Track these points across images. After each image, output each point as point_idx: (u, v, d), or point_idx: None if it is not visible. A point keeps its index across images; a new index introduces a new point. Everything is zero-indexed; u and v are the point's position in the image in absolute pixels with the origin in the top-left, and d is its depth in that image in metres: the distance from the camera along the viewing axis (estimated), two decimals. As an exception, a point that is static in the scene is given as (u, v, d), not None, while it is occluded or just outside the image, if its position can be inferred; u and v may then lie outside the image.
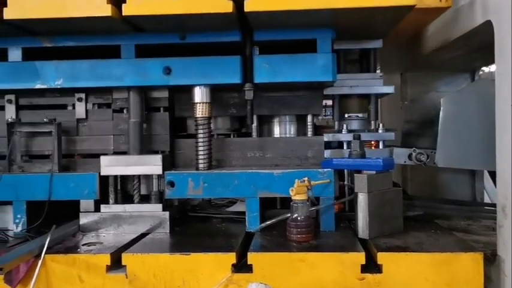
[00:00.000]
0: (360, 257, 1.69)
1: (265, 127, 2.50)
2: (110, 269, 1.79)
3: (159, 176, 2.20)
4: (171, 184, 2.13)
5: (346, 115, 2.45)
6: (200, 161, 2.19)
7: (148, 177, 2.26)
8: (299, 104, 2.38)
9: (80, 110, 2.35)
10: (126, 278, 1.76)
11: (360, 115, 2.48)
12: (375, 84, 2.40)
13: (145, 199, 2.25)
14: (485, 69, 3.36)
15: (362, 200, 1.88)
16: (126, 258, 1.78)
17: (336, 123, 2.46)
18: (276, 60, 2.11)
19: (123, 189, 2.28)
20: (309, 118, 2.39)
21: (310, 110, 2.39)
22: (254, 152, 2.35)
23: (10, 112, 2.34)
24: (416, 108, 2.89)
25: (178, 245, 1.96)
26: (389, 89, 2.39)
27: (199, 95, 2.18)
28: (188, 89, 2.21)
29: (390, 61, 3.18)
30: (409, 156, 2.35)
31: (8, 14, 1.91)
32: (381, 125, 2.36)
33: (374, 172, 1.90)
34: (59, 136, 2.26)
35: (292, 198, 1.92)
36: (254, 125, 2.37)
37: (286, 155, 2.33)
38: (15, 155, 2.28)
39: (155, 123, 2.35)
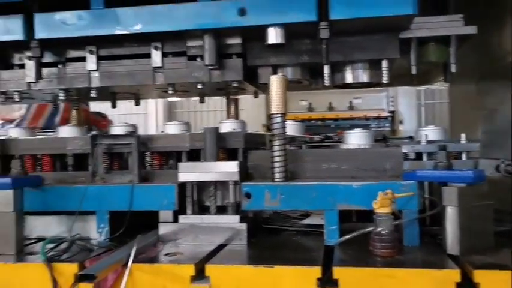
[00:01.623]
0: (454, 275, 1.61)
1: (337, 76, 2.46)
2: (194, 279, 1.80)
3: (236, 185, 2.21)
4: (248, 196, 2.14)
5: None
6: (276, 173, 2.18)
7: (224, 187, 2.27)
8: (373, 47, 2.29)
9: (156, 58, 2.39)
10: (210, 289, 1.77)
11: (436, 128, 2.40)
12: (454, 25, 2.23)
13: (220, 211, 2.27)
14: None
15: (451, 213, 1.80)
16: (209, 269, 1.79)
17: (414, 68, 2.28)
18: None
19: (200, 200, 2.31)
20: (384, 63, 2.30)
21: (385, 53, 2.29)
22: (329, 163, 2.32)
23: (91, 63, 2.41)
24: (495, 119, 2.76)
25: (259, 257, 1.95)
26: (472, 29, 2.20)
27: (274, 36, 2.15)
28: (261, 36, 2.18)
29: (466, 69, 3.06)
30: (497, 168, 2.23)
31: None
32: (463, 135, 2.26)
33: (464, 185, 1.82)
34: (138, 147, 2.33)
35: (376, 211, 1.86)
36: (327, 71, 2.31)
37: (362, 167, 2.27)
38: (97, 167, 2.37)
39: (228, 69, 2.37)
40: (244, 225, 2.15)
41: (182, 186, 2.22)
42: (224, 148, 2.40)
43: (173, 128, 2.56)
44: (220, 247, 2.10)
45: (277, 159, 2.18)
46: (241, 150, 2.40)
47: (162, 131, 2.61)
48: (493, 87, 3.18)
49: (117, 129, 2.55)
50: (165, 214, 2.24)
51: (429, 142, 2.27)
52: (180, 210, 2.23)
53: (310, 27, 2.15)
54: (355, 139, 2.43)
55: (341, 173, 2.29)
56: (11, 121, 5.25)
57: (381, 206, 1.85)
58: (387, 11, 2.06)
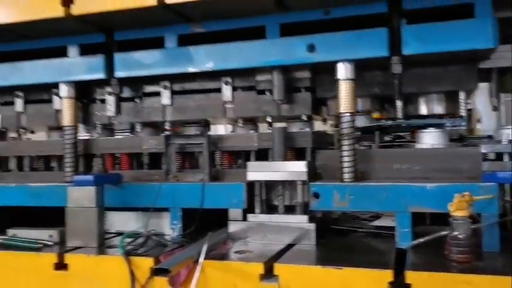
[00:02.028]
0: (539, 284, 1.50)
1: (410, 107, 2.39)
2: (263, 277, 1.83)
3: (304, 185, 2.21)
4: (316, 196, 2.13)
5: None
6: (345, 173, 2.15)
7: (292, 187, 2.28)
8: (449, 79, 2.21)
9: (227, 93, 2.47)
10: (279, 288, 1.79)
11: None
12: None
13: (288, 210, 2.27)
14: None
15: (537, 219, 1.68)
16: (278, 268, 1.81)
17: (494, 100, 2.21)
18: (427, 28, 2.01)
19: (268, 199, 2.33)
20: (462, 95, 2.21)
21: (462, 85, 2.20)
22: (401, 163, 2.25)
23: (166, 98, 2.54)
24: None
25: (328, 258, 1.94)
26: None
27: (343, 71, 2.14)
28: (330, 69, 2.19)
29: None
30: None
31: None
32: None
33: (551, 188, 1.69)
34: (209, 147, 2.39)
35: (452, 214, 1.78)
36: (399, 104, 2.25)
37: (437, 168, 2.18)
38: (170, 165, 2.47)
39: (297, 103, 2.38)
40: (312, 226, 2.14)
41: (251, 185, 2.25)
42: (292, 148, 2.41)
43: (242, 128, 2.61)
44: (289, 247, 2.10)
45: (346, 158, 2.15)
46: (309, 150, 2.39)
47: (232, 131, 2.67)
48: None
49: (188, 129, 2.63)
50: (234, 212, 2.29)
51: (510, 142, 2.12)
52: (249, 209, 2.26)
53: (381, 60, 2.11)
54: (429, 138, 2.33)
55: (414, 173, 2.21)
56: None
57: (457, 209, 1.76)
58: (464, 45, 1.97)
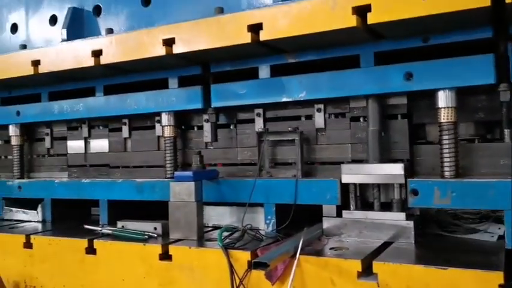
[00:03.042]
0: None
1: None
2: (360, 275, 1.80)
3: (401, 185, 2.14)
4: (415, 192, 2.05)
5: None
6: (446, 168, 2.05)
7: (388, 185, 2.22)
8: None
9: (319, 120, 2.46)
10: (378, 286, 1.75)
11: None
12: None
13: (384, 207, 2.22)
14: None
15: None
16: (377, 266, 1.77)
17: None
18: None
19: (362, 195, 2.29)
20: None
21: None
22: (508, 159, 2.09)
23: (259, 124, 2.60)
24: None
25: (429, 257, 1.86)
26: None
27: (444, 99, 2.04)
28: (428, 94, 2.11)
29: None
30: None
31: (263, 35, 2.13)
32: None
33: None
34: (301, 144, 2.41)
35: None
36: (507, 136, 2.10)
37: (551, 163, 2.01)
38: (263, 161, 2.52)
39: (393, 131, 2.30)
40: (411, 223, 2.07)
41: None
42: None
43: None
44: (385, 244, 2.05)
45: (446, 153, 2.05)
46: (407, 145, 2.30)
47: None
48: None
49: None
50: (328, 209, 2.28)
51: None
52: (343, 206, 2.24)
53: (486, 85, 1.97)
54: (541, 131, 2.14)
55: (523, 169, 2.05)
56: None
57: None
58: None
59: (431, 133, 2.27)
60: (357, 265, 1.80)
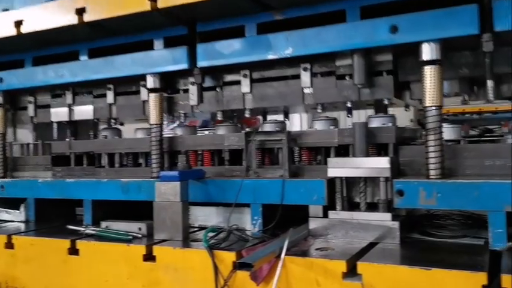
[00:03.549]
0: None
1: (503, 88, 2.25)
2: (345, 276, 1.80)
3: (387, 182, 2.14)
4: (400, 193, 2.05)
5: None
6: (432, 169, 2.05)
7: (374, 184, 2.22)
8: None
9: (306, 79, 2.46)
10: (362, 287, 1.75)
11: None
12: None
13: (370, 207, 2.21)
14: None
15: None
16: (362, 266, 1.77)
17: None
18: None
19: (349, 196, 2.28)
20: None
21: None
22: (493, 159, 2.10)
23: (245, 86, 2.59)
24: None
25: (414, 258, 1.86)
26: None
27: (429, 52, 2.04)
28: (413, 52, 2.10)
29: None
30: None
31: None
32: None
33: None
34: (289, 143, 2.40)
35: (555, 214, 1.64)
36: (490, 85, 2.11)
37: (535, 164, 2.02)
38: (251, 162, 2.50)
39: (378, 87, 2.31)
40: (396, 224, 2.07)
41: (331, 181, 2.22)
42: (374, 143, 2.34)
43: (321, 124, 2.58)
44: (371, 245, 2.05)
45: (432, 154, 2.06)
46: (392, 146, 2.31)
47: (310, 127, 2.65)
48: None
49: (268, 126, 2.66)
50: (314, 209, 2.27)
51: None
52: (329, 206, 2.23)
53: (470, 39, 1.99)
54: (526, 132, 2.16)
55: (508, 170, 2.06)
56: (173, 121, 5.84)
57: (561, 209, 1.62)
58: None
59: (415, 92, 2.31)
60: (342, 266, 1.80)
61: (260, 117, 5.31)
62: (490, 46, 1.93)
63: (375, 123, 2.44)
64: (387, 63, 2.30)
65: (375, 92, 2.32)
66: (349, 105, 2.44)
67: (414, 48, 2.08)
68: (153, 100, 2.68)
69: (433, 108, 2.05)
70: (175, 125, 5.01)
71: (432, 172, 2.05)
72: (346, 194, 2.26)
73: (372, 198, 2.25)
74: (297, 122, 13.20)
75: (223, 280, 1.97)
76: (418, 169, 2.21)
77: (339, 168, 2.21)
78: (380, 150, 2.38)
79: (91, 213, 2.77)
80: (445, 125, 2.21)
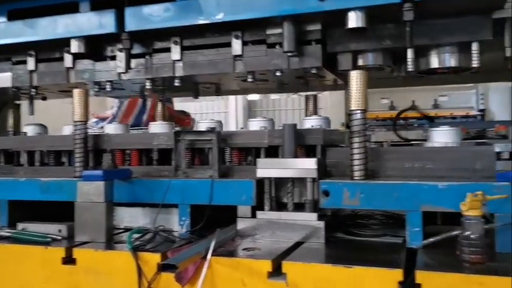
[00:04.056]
0: (554, 286, 1.46)
1: (422, 61, 2.36)
2: (270, 275, 1.81)
3: (314, 182, 2.18)
4: (326, 193, 2.10)
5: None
6: (356, 171, 2.12)
7: (302, 184, 2.25)
8: (463, 29, 2.17)
9: (237, 47, 2.44)
10: (287, 286, 1.77)
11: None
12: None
13: (298, 208, 2.25)
14: None
15: (552, 219, 1.64)
16: (286, 266, 1.79)
17: (508, 50, 2.13)
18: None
19: (277, 196, 2.31)
20: (474, 46, 2.16)
21: (476, 35, 2.15)
22: (413, 162, 2.21)
23: (176, 53, 2.53)
24: None
25: (337, 256, 1.91)
26: None
27: (355, 19, 2.11)
28: (341, 22, 2.15)
29: None
30: None
31: None
32: None
33: None
34: (218, 144, 2.38)
35: (464, 213, 1.74)
36: (410, 55, 2.20)
37: (449, 167, 2.14)
38: (180, 162, 2.46)
39: (307, 56, 2.35)
40: (322, 223, 2.12)
41: (260, 182, 2.23)
42: (303, 145, 2.39)
43: (255, 125, 2.58)
44: (298, 244, 2.08)
45: (356, 156, 2.13)
46: (319, 147, 2.37)
47: (242, 128, 2.65)
48: None
49: (202, 126, 2.62)
50: (243, 209, 2.27)
51: (526, 141, 2.08)
52: (258, 206, 2.24)
53: (393, 10, 2.07)
54: (442, 137, 2.29)
55: (426, 172, 2.17)
56: (103, 119, 5.64)
57: (470, 208, 1.73)
58: None
59: (342, 63, 2.39)
60: (267, 265, 1.80)
61: (193, 118, 5.28)
62: (411, 15, 2.02)
63: (308, 125, 2.48)
64: (316, 33, 2.33)
65: (304, 60, 2.35)
66: (278, 73, 2.44)
67: (342, 18, 2.14)
68: (77, 96, 2.55)
69: (358, 111, 2.12)
70: (105, 123, 4.85)
71: (356, 173, 2.12)
72: (275, 194, 2.28)
73: (300, 198, 2.28)
74: (232, 122, 13.14)
75: (147, 282, 1.92)
76: (344, 170, 2.27)
77: (267, 168, 2.22)
78: (309, 151, 2.43)
79: (7, 214, 2.59)
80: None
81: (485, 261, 1.70)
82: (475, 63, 2.17)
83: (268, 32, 2.39)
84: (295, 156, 2.29)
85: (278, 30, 2.34)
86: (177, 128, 2.54)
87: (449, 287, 1.58)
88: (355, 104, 2.12)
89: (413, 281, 1.62)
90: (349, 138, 2.19)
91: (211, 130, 2.40)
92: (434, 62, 2.33)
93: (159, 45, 2.60)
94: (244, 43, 2.43)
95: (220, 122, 2.65)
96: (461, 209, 1.74)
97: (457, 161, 2.13)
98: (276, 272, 1.82)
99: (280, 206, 2.28)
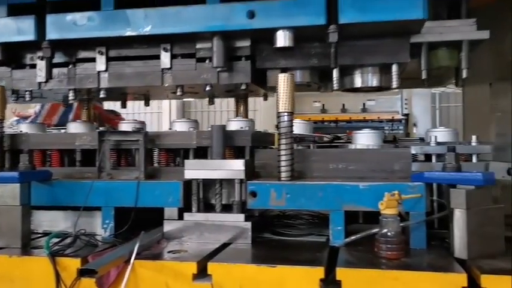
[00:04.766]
0: (461, 279, 1.57)
1: (347, 79, 2.46)
2: (196, 277, 1.79)
3: (241, 184, 2.19)
4: (253, 194, 2.12)
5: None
6: (283, 172, 2.16)
7: (230, 185, 2.26)
8: (383, 51, 2.29)
9: (165, 59, 2.41)
10: (212, 287, 1.76)
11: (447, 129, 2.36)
12: (466, 30, 2.22)
13: (226, 209, 2.25)
14: None
15: (460, 216, 1.76)
16: (211, 267, 1.78)
17: (424, 72, 2.28)
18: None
19: (205, 198, 2.29)
20: (394, 68, 2.29)
21: (395, 57, 2.28)
22: (337, 163, 2.29)
23: (101, 64, 2.45)
24: (508, 121, 2.70)
25: (263, 256, 1.93)
26: (484, 34, 2.19)
27: (282, 38, 2.16)
28: (270, 39, 2.21)
29: (480, 71, 3.00)
30: (509, 171, 2.18)
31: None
32: (474, 137, 2.22)
33: (473, 187, 1.77)
34: (145, 145, 2.33)
35: (382, 212, 1.83)
36: (336, 74, 2.31)
37: (370, 168, 2.24)
38: (104, 163, 2.37)
39: (236, 71, 2.37)
40: (249, 224, 2.13)
41: (188, 183, 2.21)
42: (231, 146, 2.39)
43: (181, 126, 2.56)
44: (225, 246, 2.08)
45: (283, 158, 2.16)
46: (248, 149, 2.39)
47: (170, 128, 2.61)
48: (508, 89, 3.11)
49: (126, 126, 2.55)
50: (170, 211, 2.23)
51: (439, 144, 2.22)
52: (186, 208, 2.22)
53: (319, 30, 2.14)
54: (364, 139, 2.40)
55: (349, 173, 2.26)
56: (26, 118, 5.33)
57: (387, 207, 1.81)
58: (397, 15, 2.06)
59: (271, 80, 2.43)
60: (192, 267, 1.79)
61: (124, 118, 5.12)
62: (335, 37, 2.11)
63: (233, 126, 2.49)
64: (245, 49, 2.36)
65: (234, 76, 2.38)
66: (208, 88, 2.44)
67: (271, 35, 2.19)
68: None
69: (285, 114, 2.16)
70: (27, 121, 4.59)
71: (283, 174, 2.16)
72: (203, 195, 2.26)
73: (228, 199, 2.28)
74: (165, 122, 12.85)
75: (66, 289, 1.83)
76: (272, 172, 2.30)
77: (195, 170, 2.20)
78: (238, 153, 2.44)
79: None
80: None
81: (401, 257, 1.79)
82: (394, 84, 2.30)
83: (198, 46, 2.39)
84: (224, 158, 2.29)
85: (208, 45, 2.34)
86: (102, 128, 2.44)
87: (367, 282, 1.65)
88: (282, 106, 2.16)
89: (334, 278, 1.68)
90: (277, 140, 2.22)
91: (138, 130, 2.34)
92: (358, 82, 2.44)
93: (83, 54, 2.51)
94: (174, 56, 2.41)
95: (143, 123, 2.59)
96: (379, 207, 1.83)
97: (377, 163, 2.23)
98: (202, 273, 1.80)
99: (208, 208, 2.27)
